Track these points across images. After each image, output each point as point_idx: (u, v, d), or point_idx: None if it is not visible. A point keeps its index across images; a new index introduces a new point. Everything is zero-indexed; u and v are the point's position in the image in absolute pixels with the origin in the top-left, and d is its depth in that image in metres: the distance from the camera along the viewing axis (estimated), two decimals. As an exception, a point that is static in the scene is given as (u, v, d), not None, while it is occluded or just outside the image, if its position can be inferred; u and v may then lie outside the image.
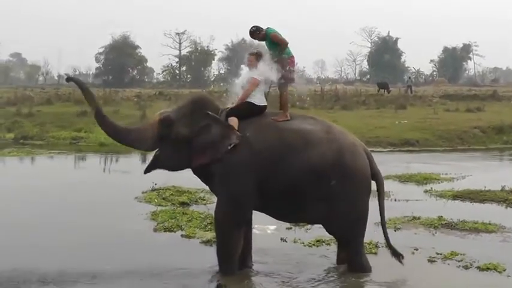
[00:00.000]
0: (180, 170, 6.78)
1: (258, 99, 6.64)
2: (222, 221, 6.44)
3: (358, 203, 6.57)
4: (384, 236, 6.88)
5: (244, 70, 6.96)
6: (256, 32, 6.87)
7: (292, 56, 6.89)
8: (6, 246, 7.57)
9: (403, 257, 6.82)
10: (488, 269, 6.86)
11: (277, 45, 6.78)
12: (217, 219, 6.52)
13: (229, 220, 6.40)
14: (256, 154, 6.32)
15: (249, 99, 6.62)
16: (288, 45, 6.85)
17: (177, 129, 6.41)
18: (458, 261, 7.14)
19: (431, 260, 7.21)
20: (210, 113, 6.40)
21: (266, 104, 6.71)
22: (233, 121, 6.43)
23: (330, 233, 6.92)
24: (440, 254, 7.35)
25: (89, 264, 6.94)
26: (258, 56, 6.85)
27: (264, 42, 6.94)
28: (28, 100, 30.22)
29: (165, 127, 6.45)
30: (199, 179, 6.74)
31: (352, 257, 6.71)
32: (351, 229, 6.59)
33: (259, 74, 6.67)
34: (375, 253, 7.41)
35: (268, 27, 6.87)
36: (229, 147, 6.29)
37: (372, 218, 6.83)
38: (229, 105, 6.72)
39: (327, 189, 6.40)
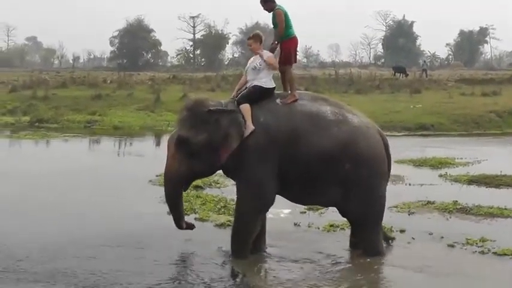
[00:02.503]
0: (216, 171, 6.85)
1: (266, 81, 6.58)
2: (245, 208, 6.41)
3: (374, 186, 6.55)
4: None
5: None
6: (266, 1, 6.80)
7: (294, 37, 6.84)
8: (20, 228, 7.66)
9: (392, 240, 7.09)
10: (505, 254, 6.81)
11: (277, 25, 6.74)
12: (240, 206, 6.48)
13: (252, 207, 6.39)
14: (271, 139, 6.30)
15: (257, 83, 6.57)
16: (292, 26, 6.81)
17: (195, 141, 6.30)
18: (478, 247, 7.08)
19: (447, 245, 7.16)
20: (211, 108, 6.34)
21: (274, 85, 6.66)
22: (245, 108, 6.38)
23: (345, 217, 6.91)
24: (466, 240, 7.29)
25: (101, 246, 6.98)
26: (256, 37, 6.78)
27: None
28: (43, 83, 30.31)
29: (184, 146, 6.33)
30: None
31: (367, 241, 6.70)
32: (366, 213, 6.56)
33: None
34: (393, 238, 7.35)
35: (280, 5, 6.80)
36: (246, 135, 6.27)
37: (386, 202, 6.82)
38: (232, 97, 6.69)
39: (341, 173, 6.39)
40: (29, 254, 6.62)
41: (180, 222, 6.55)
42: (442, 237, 7.38)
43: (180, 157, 6.36)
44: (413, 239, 7.36)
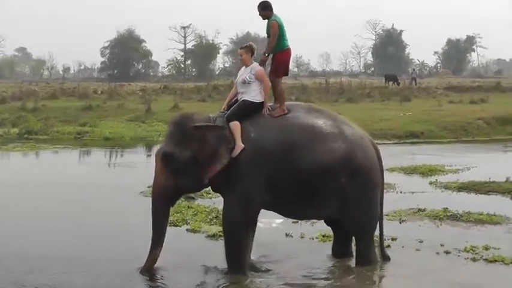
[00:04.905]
0: (203, 188, 6.94)
1: (256, 95, 6.49)
2: (233, 222, 6.34)
3: (369, 198, 6.55)
4: (380, 232, 6.88)
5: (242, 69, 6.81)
6: (264, 8, 6.71)
7: (288, 49, 6.77)
8: (12, 240, 7.66)
9: (389, 260, 6.85)
10: (495, 261, 6.85)
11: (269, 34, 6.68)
12: (228, 220, 6.41)
13: (239, 221, 6.31)
14: (262, 155, 6.22)
15: (247, 97, 6.48)
16: (287, 37, 6.74)
17: (180, 157, 6.24)
18: (471, 253, 7.12)
19: (439, 253, 7.19)
20: (197, 124, 6.28)
21: (263, 99, 6.53)
22: (235, 126, 6.29)
23: (336, 227, 6.94)
24: (458, 247, 7.33)
25: (92, 258, 6.96)
26: (248, 49, 6.67)
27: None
28: (33, 95, 30.26)
29: (170, 162, 6.29)
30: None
31: (361, 251, 6.69)
32: (362, 224, 6.58)
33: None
34: (388, 246, 7.34)
35: (276, 15, 6.72)
36: (236, 154, 6.19)
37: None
38: (223, 109, 6.64)
39: (337, 186, 6.35)
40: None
41: (154, 252, 6.41)
42: (433, 245, 7.40)
43: (166, 173, 6.33)
44: (402, 247, 7.39)
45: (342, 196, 6.40)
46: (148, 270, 6.44)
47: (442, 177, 12.15)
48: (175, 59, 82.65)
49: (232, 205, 6.35)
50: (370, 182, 6.55)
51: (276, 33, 6.61)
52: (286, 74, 6.94)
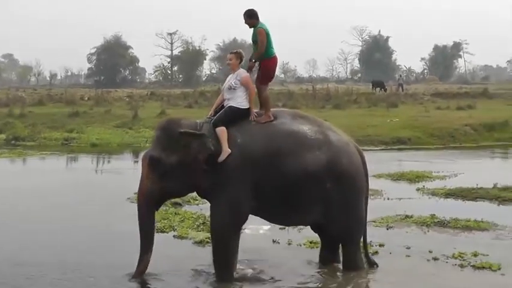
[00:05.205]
0: (189, 193, 6.98)
1: (242, 102, 6.54)
2: (221, 228, 6.33)
3: (354, 204, 6.56)
4: (363, 238, 6.87)
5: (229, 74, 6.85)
6: (250, 16, 6.75)
7: (275, 57, 6.81)
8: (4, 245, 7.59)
9: (377, 266, 6.86)
10: (483, 267, 6.86)
11: (257, 42, 6.72)
12: (215, 226, 6.40)
13: (228, 226, 6.31)
14: (249, 161, 6.23)
15: (233, 103, 6.53)
16: (273, 45, 6.78)
17: (167, 161, 6.27)
18: (459, 260, 7.13)
19: (426, 259, 7.19)
20: (182, 131, 6.26)
21: (249, 106, 6.58)
22: (221, 131, 6.31)
23: (322, 233, 6.92)
24: (445, 253, 7.33)
25: (79, 265, 6.91)
26: (238, 55, 6.73)
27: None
28: (20, 101, 30.14)
29: (157, 167, 6.29)
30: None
31: (347, 257, 6.72)
32: (348, 230, 6.59)
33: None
34: (376, 252, 7.36)
35: (262, 23, 6.77)
36: (222, 159, 6.21)
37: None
38: (209, 115, 6.64)
39: (322, 192, 6.37)
40: None
41: (145, 257, 6.39)
42: (421, 251, 7.40)
43: (152, 177, 6.33)
44: (390, 254, 7.39)
45: (327, 202, 6.41)
46: (140, 276, 6.41)
47: (430, 184, 12.17)
48: (162, 66, 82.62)
49: (220, 211, 6.34)
50: (355, 187, 6.57)
51: (265, 40, 6.65)
52: (270, 81, 6.99)
